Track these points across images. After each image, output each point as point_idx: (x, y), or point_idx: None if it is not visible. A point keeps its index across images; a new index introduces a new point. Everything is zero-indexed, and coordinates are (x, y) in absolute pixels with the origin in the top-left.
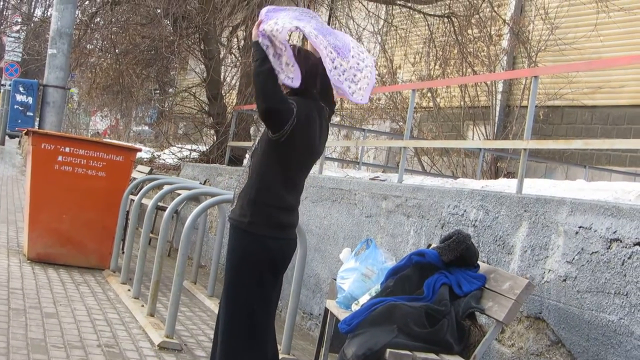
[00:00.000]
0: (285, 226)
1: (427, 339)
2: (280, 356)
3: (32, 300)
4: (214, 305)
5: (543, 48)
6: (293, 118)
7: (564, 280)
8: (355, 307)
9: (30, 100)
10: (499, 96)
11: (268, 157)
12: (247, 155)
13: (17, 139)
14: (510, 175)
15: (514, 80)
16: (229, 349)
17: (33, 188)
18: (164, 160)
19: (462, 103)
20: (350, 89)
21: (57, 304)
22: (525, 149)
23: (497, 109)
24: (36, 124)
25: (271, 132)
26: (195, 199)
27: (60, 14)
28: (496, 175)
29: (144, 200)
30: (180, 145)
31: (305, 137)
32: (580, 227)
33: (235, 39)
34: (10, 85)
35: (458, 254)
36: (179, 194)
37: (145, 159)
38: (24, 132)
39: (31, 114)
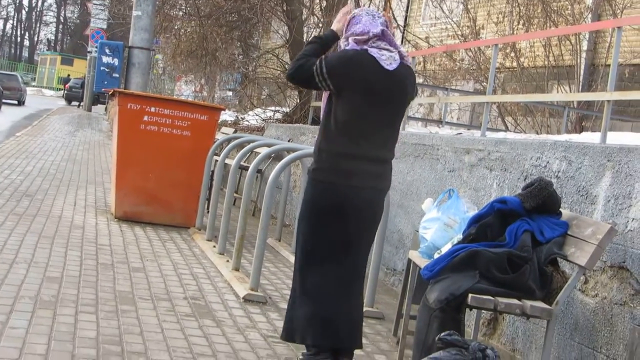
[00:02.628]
0: (352, 173)
1: (509, 284)
2: (364, 309)
3: (120, 256)
4: None
5: (629, 4)
6: (318, 73)
7: None
8: (437, 256)
9: (116, 61)
10: (583, 55)
11: (328, 108)
12: None
13: (102, 105)
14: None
15: (598, 39)
16: (291, 298)
17: (120, 147)
18: (247, 122)
19: (545, 62)
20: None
21: (144, 259)
22: (608, 101)
23: (582, 67)
24: (122, 85)
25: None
26: (278, 157)
27: None
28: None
29: (227, 160)
30: (264, 108)
31: (356, 87)
32: None
33: (317, 0)
34: (96, 49)
35: (540, 200)
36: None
37: (229, 121)
38: (110, 92)
39: (117, 75)
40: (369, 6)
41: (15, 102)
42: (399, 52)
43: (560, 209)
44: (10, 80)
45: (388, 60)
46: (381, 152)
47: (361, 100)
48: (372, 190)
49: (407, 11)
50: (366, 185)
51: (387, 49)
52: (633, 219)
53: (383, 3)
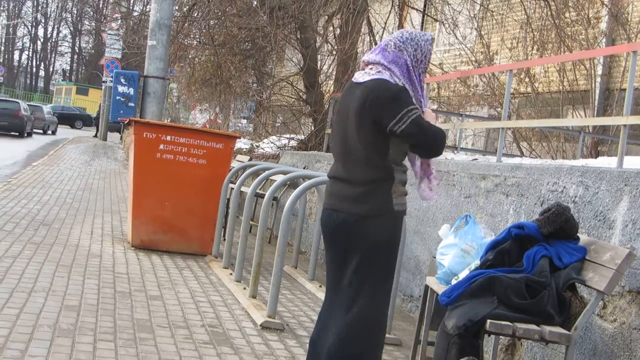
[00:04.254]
0: (328, 194)
1: (527, 310)
2: None
3: (137, 284)
4: (314, 289)
5: None
6: None
7: None
8: (454, 282)
9: (131, 91)
10: (598, 79)
11: None
12: None
13: (118, 134)
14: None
15: (613, 63)
16: None
17: (136, 176)
18: (263, 149)
19: (560, 87)
20: None
21: (161, 287)
22: (625, 125)
23: (597, 92)
24: (137, 114)
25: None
26: (294, 184)
27: (159, 6)
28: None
29: (243, 188)
30: (278, 135)
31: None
32: None
33: (331, 27)
34: (111, 79)
35: (558, 226)
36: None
37: (244, 149)
38: (126, 122)
39: (132, 104)
40: (382, 34)
41: (41, 131)
42: (381, 65)
43: (578, 234)
44: (36, 111)
45: (359, 74)
46: (344, 172)
47: (334, 119)
48: (334, 211)
49: None
50: (334, 206)
51: (370, 68)
52: None
53: (397, 29)
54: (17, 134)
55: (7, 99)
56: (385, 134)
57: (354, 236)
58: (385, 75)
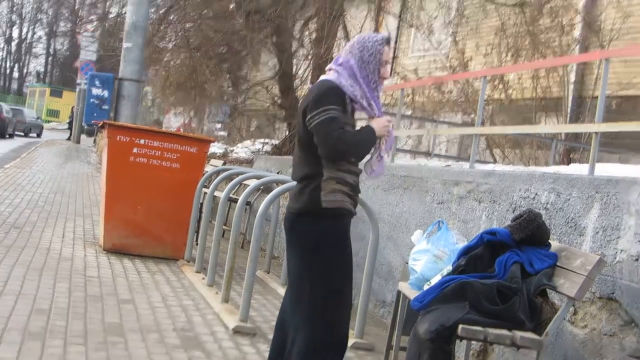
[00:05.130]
0: None
1: (499, 315)
2: (354, 340)
3: (109, 288)
4: None
5: (615, 37)
6: None
7: (637, 259)
8: (427, 287)
9: (106, 93)
10: (571, 86)
11: None
12: None
13: (92, 138)
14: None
15: (586, 70)
16: None
17: (109, 179)
18: (237, 154)
19: (533, 94)
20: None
21: (133, 291)
22: (596, 133)
23: (570, 99)
24: (111, 117)
25: None
26: (267, 189)
27: (135, 8)
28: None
29: (216, 193)
30: (252, 140)
31: None
32: None
33: (307, 32)
34: (86, 81)
35: (529, 232)
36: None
37: (218, 154)
38: (99, 124)
39: (107, 107)
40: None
41: (22, 134)
42: (332, 69)
43: (550, 241)
44: (17, 114)
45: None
46: (293, 171)
47: None
48: (287, 210)
49: (396, 43)
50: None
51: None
52: (621, 250)
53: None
54: None
55: None
56: None
57: (290, 232)
58: (332, 77)
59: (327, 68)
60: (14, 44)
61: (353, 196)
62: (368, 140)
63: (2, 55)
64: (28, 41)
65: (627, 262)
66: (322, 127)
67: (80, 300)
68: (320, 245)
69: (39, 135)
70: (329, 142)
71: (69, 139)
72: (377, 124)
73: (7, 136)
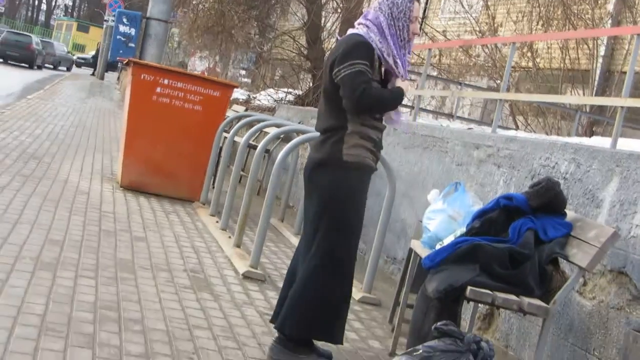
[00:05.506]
0: None
1: (508, 280)
2: (362, 294)
3: (123, 224)
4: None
5: None
6: None
7: None
8: (439, 247)
9: (133, 31)
10: (600, 60)
11: None
12: None
13: (115, 74)
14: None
15: (617, 45)
16: None
17: (130, 117)
18: (259, 101)
19: (562, 65)
20: None
21: (147, 229)
22: (622, 107)
23: (597, 72)
24: (137, 55)
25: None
26: (287, 138)
27: None
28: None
29: (236, 138)
30: (276, 88)
31: None
32: None
33: None
34: (114, 18)
35: (546, 200)
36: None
37: (240, 100)
38: (124, 62)
39: (133, 45)
40: None
41: (51, 67)
42: (362, 24)
43: (566, 210)
44: (47, 47)
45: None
46: (317, 123)
47: None
48: (308, 159)
49: (426, 3)
50: (309, 154)
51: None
52: (637, 225)
53: None
54: (27, 65)
55: (21, 32)
56: None
57: (309, 182)
58: (362, 31)
59: (356, 22)
60: None
61: (375, 152)
62: (394, 98)
63: None
64: None
65: None
66: (348, 80)
67: (93, 234)
68: (336, 197)
69: (68, 69)
70: (354, 95)
71: (93, 74)
72: (404, 86)
73: (36, 67)
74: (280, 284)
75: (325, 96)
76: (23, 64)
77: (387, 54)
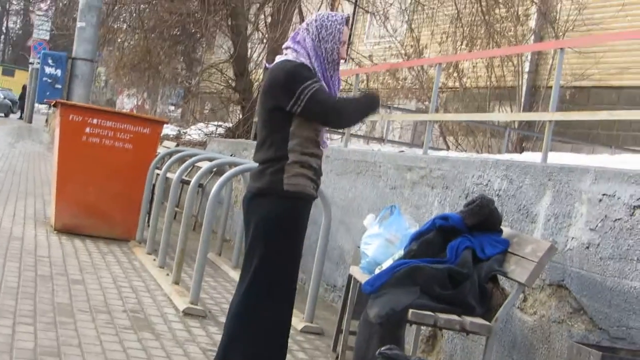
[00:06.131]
0: None
1: (449, 300)
2: (304, 324)
3: (59, 268)
4: (238, 276)
5: (571, 28)
6: None
7: (587, 247)
8: (378, 271)
9: (59, 72)
10: (525, 76)
11: None
12: None
13: (44, 117)
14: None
15: (540, 61)
16: None
17: (60, 159)
18: (190, 136)
19: (488, 83)
20: None
21: (83, 271)
22: (550, 121)
23: (524, 89)
24: (64, 97)
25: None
26: (220, 171)
27: None
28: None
29: (169, 174)
30: (206, 122)
31: None
32: (603, 194)
33: (263, 15)
34: (39, 61)
35: (481, 218)
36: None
37: (171, 135)
38: (52, 103)
39: (59, 86)
40: None
41: None
42: (289, 48)
43: (502, 227)
44: None
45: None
46: (255, 155)
47: None
48: (247, 190)
49: (351, 29)
50: (248, 184)
51: (284, 53)
52: (572, 237)
53: None
54: None
55: None
56: (285, 115)
57: (247, 211)
58: (291, 56)
59: (284, 46)
60: None
61: (316, 180)
62: (366, 102)
63: None
64: None
65: (577, 249)
66: (314, 103)
67: (30, 280)
68: (275, 226)
69: (6, 115)
70: (330, 113)
71: (20, 117)
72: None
73: None
74: (222, 319)
75: (264, 127)
76: None
77: (318, 73)
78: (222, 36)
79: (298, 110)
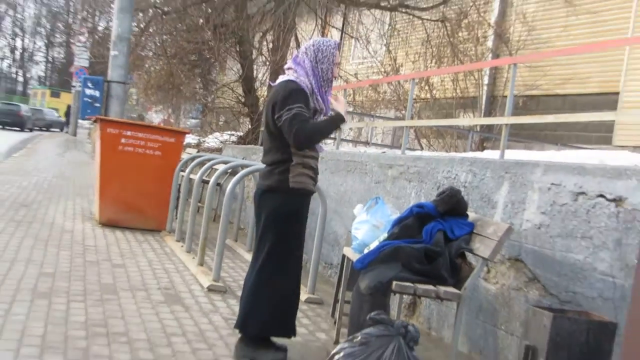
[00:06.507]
0: None
1: (426, 273)
2: (307, 295)
3: (103, 254)
4: (251, 258)
5: (522, 47)
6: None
7: (539, 227)
8: (366, 251)
9: (97, 93)
10: (485, 87)
11: None
12: None
13: (86, 130)
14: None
15: (497, 75)
16: None
17: (102, 165)
18: (208, 143)
19: (454, 94)
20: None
21: (124, 257)
22: (506, 124)
23: (484, 98)
24: (103, 113)
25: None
26: (234, 172)
27: (120, 22)
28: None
29: (191, 176)
30: (221, 132)
31: None
32: (552, 184)
33: (265, 42)
34: (80, 84)
35: (451, 205)
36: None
37: (192, 143)
38: (93, 119)
39: (98, 105)
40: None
41: (44, 129)
42: (291, 68)
43: (468, 212)
44: (36, 113)
45: (279, 77)
46: (263, 158)
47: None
48: (258, 186)
49: (339, 51)
50: (257, 182)
51: (286, 73)
52: (527, 220)
53: None
54: (19, 129)
55: (12, 102)
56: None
57: (258, 205)
58: (292, 76)
59: (286, 67)
60: (17, 52)
61: (314, 177)
62: (328, 124)
63: (9, 63)
64: (30, 50)
65: (531, 229)
66: (285, 123)
67: (80, 265)
68: (281, 217)
69: (61, 130)
70: (291, 136)
71: (66, 132)
72: (339, 107)
73: (27, 130)
74: (239, 293)
75: (270, 135)
76: (15, 128)
77: (310, 92)
78: (232, 60)
79: (278, 124)
